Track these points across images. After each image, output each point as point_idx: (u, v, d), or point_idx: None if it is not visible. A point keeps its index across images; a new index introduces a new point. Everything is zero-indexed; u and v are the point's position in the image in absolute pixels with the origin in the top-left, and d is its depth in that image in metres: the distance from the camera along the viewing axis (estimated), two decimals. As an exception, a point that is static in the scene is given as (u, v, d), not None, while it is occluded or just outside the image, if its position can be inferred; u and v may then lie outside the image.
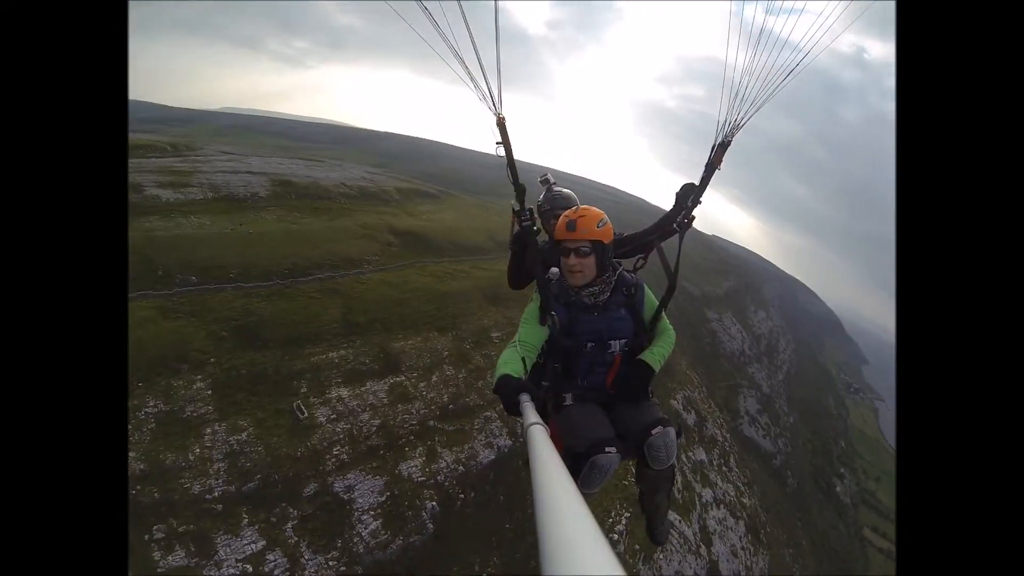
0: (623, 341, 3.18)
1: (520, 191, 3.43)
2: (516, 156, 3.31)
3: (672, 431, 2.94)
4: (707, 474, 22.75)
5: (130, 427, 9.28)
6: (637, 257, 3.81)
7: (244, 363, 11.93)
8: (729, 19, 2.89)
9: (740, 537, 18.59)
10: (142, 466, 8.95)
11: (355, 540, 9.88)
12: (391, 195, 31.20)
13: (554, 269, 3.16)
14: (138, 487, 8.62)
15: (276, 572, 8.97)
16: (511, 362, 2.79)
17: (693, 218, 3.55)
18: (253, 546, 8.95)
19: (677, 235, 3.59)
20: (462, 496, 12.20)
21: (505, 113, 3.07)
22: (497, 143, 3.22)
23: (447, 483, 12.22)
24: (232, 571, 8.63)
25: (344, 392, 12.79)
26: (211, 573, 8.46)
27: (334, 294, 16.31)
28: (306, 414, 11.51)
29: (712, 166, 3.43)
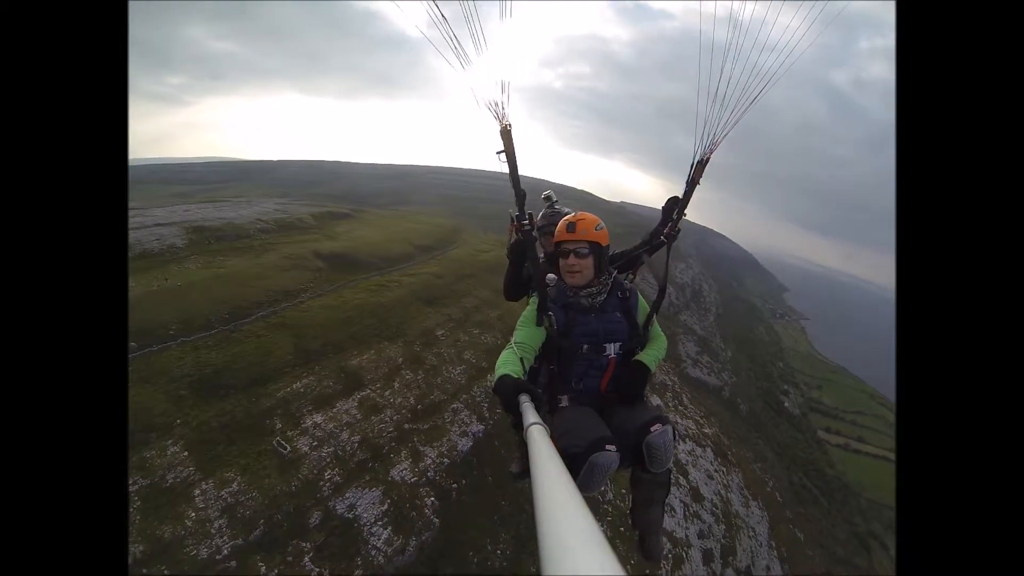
0: (618, 344, 3.23)
1: (521, 197, 3.41)
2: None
3: (671, 430, 2.94)
4: (666, 415, 24.22)
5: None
6: (627, 273, 3.97)
7: (212, 415, 11.72)
8: (700, 38, 3.15)
9: (711, 462, 20.14)
10: (142, 548, 8.56)
11: (373, 553, 10.09)
12: (307, 222, 30.66)
13: (551, 276, 3.22)
14: (144, 571, 8.34)
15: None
16: (510, 363, 2.80)
17: (679, 230, 3.80)
18: (279, 592, 8.89)
19: (665, 246, 3.77)
20: (455, 486, 12.66)
21: (511, 121, 3.13)
22: (499, 152, 3.22)
23: (438, 477, 12.63)
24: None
25: (318, 418, 12.85)
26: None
27: (280, 328, 16.14)
28: (289, 448, 11.53)
29: (693, 182, 3.68)
